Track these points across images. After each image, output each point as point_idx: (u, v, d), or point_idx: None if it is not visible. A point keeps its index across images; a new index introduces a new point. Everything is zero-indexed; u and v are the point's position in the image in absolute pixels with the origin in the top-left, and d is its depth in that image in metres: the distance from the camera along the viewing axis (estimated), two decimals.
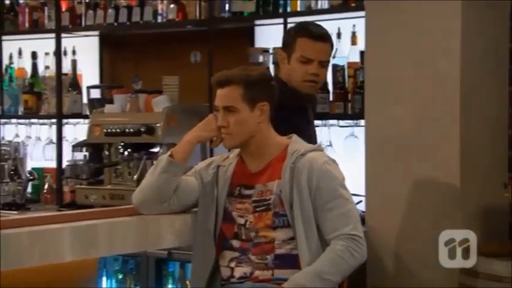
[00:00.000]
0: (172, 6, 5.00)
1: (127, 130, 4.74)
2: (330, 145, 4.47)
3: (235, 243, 2.98)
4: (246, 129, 2.99)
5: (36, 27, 5.56)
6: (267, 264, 2.91)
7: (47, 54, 5.53)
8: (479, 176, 3.69)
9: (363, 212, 3.85)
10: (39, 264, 2.65)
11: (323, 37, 3.43)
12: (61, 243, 2.70)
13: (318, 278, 2.81)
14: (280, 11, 4.65)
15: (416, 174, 3.65)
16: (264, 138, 3.02)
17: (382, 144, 3.80)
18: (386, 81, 3.80)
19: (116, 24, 5.20)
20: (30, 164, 5.45)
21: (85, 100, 5.36)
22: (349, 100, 4.40)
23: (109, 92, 5.25)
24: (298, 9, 4.58)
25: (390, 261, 3.70)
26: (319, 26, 3.50)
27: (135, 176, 4.63)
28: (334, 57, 4.21)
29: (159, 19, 5.07)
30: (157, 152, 4.67)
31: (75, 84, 5.38)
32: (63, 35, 5.41)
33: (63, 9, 5.44)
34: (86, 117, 5.28)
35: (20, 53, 5.66)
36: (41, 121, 5.59)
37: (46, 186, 5.31)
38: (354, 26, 4.42)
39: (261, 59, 4.71)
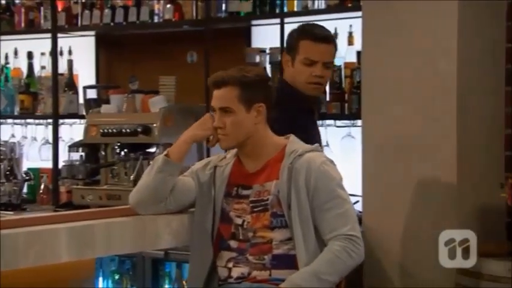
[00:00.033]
0: (168, 6, 4.99)
1: (123, 130, 4.74)
2: (327, 145, 4.47)
3: (233, 243, 2.97)
4: (242, 130, 2.99)
5: (32, 27, 5.55)
6: (264, 264, 2.91)
7: (43, 54, 5.52)
8: (476, 176, 3.69)
9: (360, 212, 3.85)
10: (36, 265, 2.64)
11: (326, 39, 3.43)
12: (58, 244, 2.70)
13: (315, 278, 2.81)
14: (277, 11, 4.64)
15: (414, 174, 3.65)
16: (261, 138, 3.02)
17: (378, 144, 3.80)
18: (383, 82, 3.80)
19: (112, 24, 5.19)
20: (26, 164, 5.43)
21: (81, 100, 5.36)
22: (345, 100, 4.40)
23: (105, 92, 5.24)
24: (295, 9, 4.57)
25: (387, 261, 3.70)
26: (322, 27, 3.50)
27: (132, 177, 4.63)
28: None
29: (156, 19, 5.07)
30: (153, 152, 4.66)
31: (71, 84, 5.38)
32: (59, 35, 5.40)
33: (59, 9, 5.44)
34: (82, 117, 5.27)
35: (15, 53, 5.65)
36: (37, 121, 5.59)
37: (42, 186, 5.30)
38: (350, 26, 4.42)
39: (257, 59, 4.71)
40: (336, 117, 4.44)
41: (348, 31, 4.43)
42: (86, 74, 5.57)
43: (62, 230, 2.73)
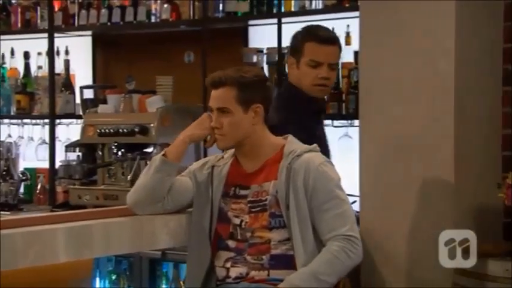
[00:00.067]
0: (166, 6, 4.98)
1: (120, 130, 4.73)
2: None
3: (231, 243, 2.97)
4: (239, 131, 2.99)
5: (28, 27, 5.54)
6: (262, 264, 2.91)
7: (39, 54, 5.51)
8: (473, 176, 3.69)
9: (357, 212, 3.85)
10: (34, 265, 2.64)
11: (331, 40, 3.44)
12: (56, 244, 2.70)
13: (313, 279, 2.81)
14: (274, 11, 4.64)
15: (413, 174, 3.65)
16: (259, 139, 3.02)
17: (377, 144, 3.79)
18: (381, 82, 3.80)
19: (109, 24, 5.18)
20: (22, 165, 5.43)
21: (78, 100, 5.35)
22: (343, 100, 4.40)
23: (102, 92, 5.24)
24: (292, 9, 4.57)
25: (385, 261, 3.70)
26: (327, 29, 3.51)
27: (129, 177, 4.62)
28: None
29: (153, 19, 5.06)
30: (151, 152, 4.66)
31: (68, 84, 5.37)
32: (56, 34, 5.39)
33: (56, 9, 5.42)
34: (79, 117, 5.27)
35: (12, 52, 5.63)
36: (34, 121, 5.57)
37: (39, 186, 5.29)
38: (348, 26, 4.42)
39: (255, 59, 4.70)
40: (333, 117, 4.43)
41: (345, 31, 4.43)
42: (82, 74, 5.56)
43: (60, 230, 2.74)
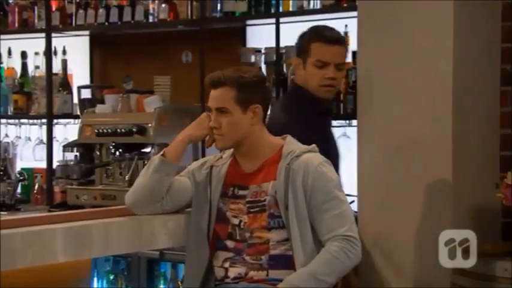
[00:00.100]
0: (163, 6, 4.98)
1: (118, 130, 4.73)
2: None
3: (230, 243, 2.97)
4: (238, 131, 2.99)
5: (26, 27, 5.54)
6: (261, 264, 2.91)
7: (37, 53, 5.50)
8: (471, 175, 3.69)
9: (356, 212, 3.85)
10: (33, 265, 2.63)
11: (338, 40, 3.44)
12: (55, 244, 2.69)
13: (312, 279, 2.81)
14: (272, 11, 4.64)
15: (412, 174, 3.65)
16: (258, 139, 3.02)
17: (376, 144, 3.79)
18: (379, 82, 3.80)
19: (106, 24, 5.18)
20: (20, 165, 5.43)
21: (75, 100, 5.35)
22: (341, 100, 4.41)
23: (100, 92, 5.23)
24: (290, 9, 4.57)
25: (384, 261, 3.70)
26: (333, 29, 3.50)
27: (127, 177, 4.62)
28: None
29: (151, 19, 5.06)
30: (148, 152, 4.66)
31: (65, 84, 5.37)
32: (53, 34, 5.39)
33: (54, 8, 5.42)
34: (76, 117, 5.27)
35: (9, 52, 5.62)
36: (31, 121, 5.57)
37: (36, 186, 5.29)
38: (346, 26, 4.41)
39: (253, 59, 4.71)
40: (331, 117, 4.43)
41: (343, 31, 4.41)
42: (80, 73, 5.56)
43: (59, 231, 2.73)
